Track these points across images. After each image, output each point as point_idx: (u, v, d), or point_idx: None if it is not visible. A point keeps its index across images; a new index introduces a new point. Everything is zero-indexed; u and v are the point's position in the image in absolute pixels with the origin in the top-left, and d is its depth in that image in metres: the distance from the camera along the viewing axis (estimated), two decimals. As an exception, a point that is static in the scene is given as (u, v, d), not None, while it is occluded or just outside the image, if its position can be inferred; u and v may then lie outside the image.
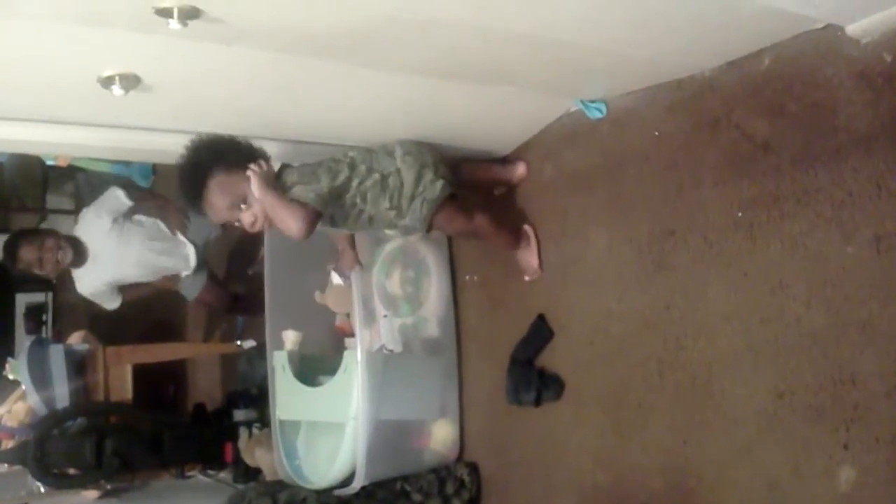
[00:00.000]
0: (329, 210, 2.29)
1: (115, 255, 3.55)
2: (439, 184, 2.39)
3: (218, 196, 2.22)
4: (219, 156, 2.22)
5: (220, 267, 4.13)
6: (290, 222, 2.18)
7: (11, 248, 3.52)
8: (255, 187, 2.18)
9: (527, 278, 2.67)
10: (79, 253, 3.53)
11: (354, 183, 2.32)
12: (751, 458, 2.01)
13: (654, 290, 2.27)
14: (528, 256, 2.65)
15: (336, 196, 2.29)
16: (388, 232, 2.71)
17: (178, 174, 2.27)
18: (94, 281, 3.59)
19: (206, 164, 2.21)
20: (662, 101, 2.30)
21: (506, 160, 2.77)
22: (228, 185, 2.21)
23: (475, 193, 2.68)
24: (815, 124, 1.92)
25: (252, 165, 2.21)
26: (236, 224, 2.28)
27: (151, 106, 2.09)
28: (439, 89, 2.21)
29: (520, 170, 2.72)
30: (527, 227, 2.67)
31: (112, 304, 3.68)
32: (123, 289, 3.67)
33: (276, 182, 2.25)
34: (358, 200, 2.33)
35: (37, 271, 3.54)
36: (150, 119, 2.26)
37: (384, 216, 2.38)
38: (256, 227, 2.26)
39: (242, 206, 2.22)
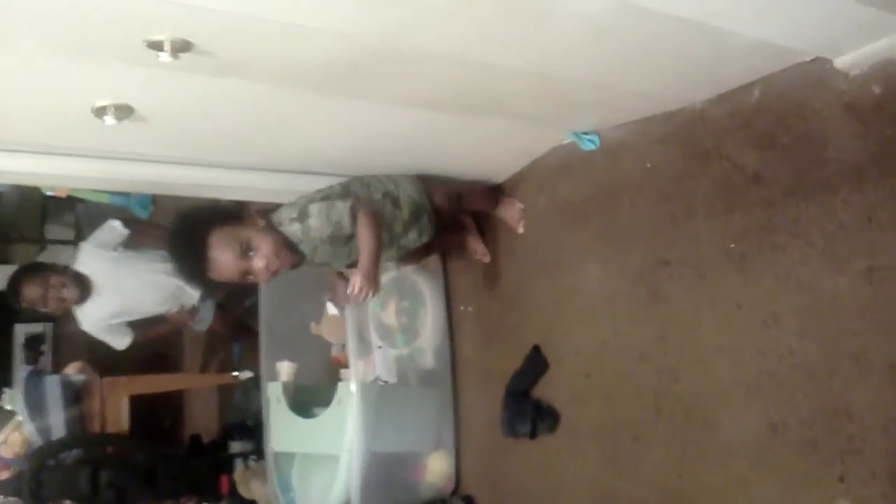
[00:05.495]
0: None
1: (117, 286, 3.45)
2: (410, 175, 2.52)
3: (224, 250, 2.12)
4: (209, 216, 2.17)
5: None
6: (373, 240, 2.24)
7: (15, 285, 3.41)
8: (356, 289, 2.18)
9: (520, 230, 2.73)
10: (83, 288, 3.42)
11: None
12: (746, 492, 1.99)
13: (648, 321, 2.27)
14: (510, 206, 2.74)
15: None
16: (390, 258, 2.67)
17: (172, 252, 2.20)
18: (98, 315, 3.48)
19: (201, 226, 2.14)
20: (655, 133, 2.30)
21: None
22: (230, 236, 2.13)
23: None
24: (805, 156, 1.92)
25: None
26: (249, 278, 2.19)
27: (145, 136, 2.10)
28: (431, 121, 2.22)
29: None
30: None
31: (120, 342, 3.55)
32: (136, 328, 3.56)
33: (272, 225, 2.23)
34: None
35: (41, 308, 3.43)
36: (143, 149, 2.27)
37: (388, 210, 2.41)
38: (272, 269, 2.17)
39: (250, 253, 2.14)
